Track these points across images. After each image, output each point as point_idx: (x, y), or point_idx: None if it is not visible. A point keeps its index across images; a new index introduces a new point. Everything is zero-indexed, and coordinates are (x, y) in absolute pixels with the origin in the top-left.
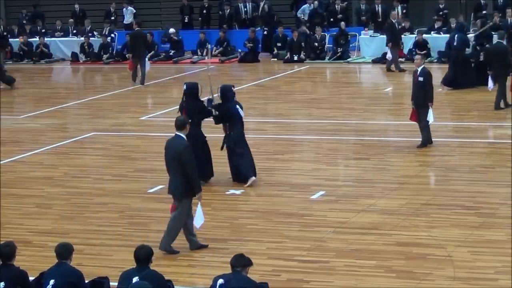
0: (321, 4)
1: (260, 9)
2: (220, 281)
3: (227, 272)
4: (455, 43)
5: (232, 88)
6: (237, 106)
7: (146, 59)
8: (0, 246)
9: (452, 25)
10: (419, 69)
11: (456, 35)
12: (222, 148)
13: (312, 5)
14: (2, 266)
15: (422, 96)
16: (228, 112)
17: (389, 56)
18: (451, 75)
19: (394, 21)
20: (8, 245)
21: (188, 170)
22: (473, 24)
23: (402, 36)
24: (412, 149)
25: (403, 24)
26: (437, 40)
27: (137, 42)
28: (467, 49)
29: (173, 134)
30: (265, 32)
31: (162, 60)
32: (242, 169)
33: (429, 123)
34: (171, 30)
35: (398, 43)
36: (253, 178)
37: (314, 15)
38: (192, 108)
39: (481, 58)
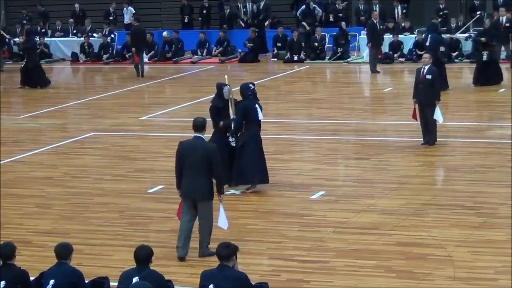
0: (320, 4)
1: (250, 10)
2: (211, 287)
3: (214, 267)
4: (427, 43)
5: (251, 86)
6: (256, 106)
7: (144, 54)
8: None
9: (452, 25)
10: (426, 67)
11: (429, 35)
12: (236, 146)
13: (306, 5)
14: (3, 266)
15: (430, 94)
16: (244, 110)
17: (366, 55)
18: None
19: (375, 21)
20: (7, 245)
21: (218, 172)
22: (472, 24)
23: (402, 36)
24: (412, 149)
25: (403, 24)
26: None
27: (139, 37)
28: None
29: (189, 136)
30: (255, 34)
31: (161, 60)
32: (247, 172)
33: (439, 122)
34: (164, 33)
35: (378, 43)
36: (256, 187)
37: (305, 14)
38: (213, 106)
39: (485, 57)
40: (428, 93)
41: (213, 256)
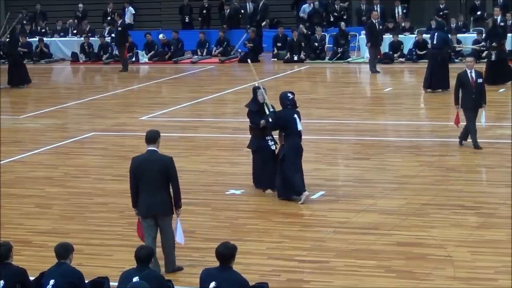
0: (321, 3)
1: (250, 10)
2: (212, 284)
3: (215, 266)
4: (434, 42)
5: (290, 95)
6: (295, 116)
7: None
8: None
9: (452, 25)
10: (474, 72)
11: (436, 34)
12: (278, 159)
13: (312, 4)
14: (1, 266)
15: (479, 98)
16: (282, 120)
17: (367, 56)
18: (428, 76)
19: (374, 21)
20: (3, 245)
21: (176, 185)
22: (473, 24)
23: (402, 36)
24: (412, 149)
25: (403, 24)
26: None
27: (127, 32)
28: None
29: (145, 148)
30: (255, 34)
31: (161, 60)
32: (295, 182)
33: (483, 126)
34: (160, 36)
35: (377, 43)
36: (307, 192)
37: (313, 14)
38: (249, 110)
39: (493, 57)
40: (480, 98)
41: (212, 256)
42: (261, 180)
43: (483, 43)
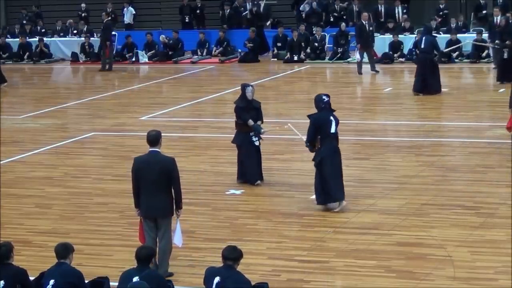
0: (321, 3)
1: (254, 10)
2: (217, 279)
3: (219, 266)
4: (422, 46)
5: (325, 98)
6: (331, 118)
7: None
8: None
9: (452, 25)
10: None
11: (424, 38)
12: (316, 164)
13: (309, 5)
14: (1, 266)
15: None
16: (318, 122)
17: (357, 58)
18: (419, 80)
19: (364, 22)
20: (4, 245)
21: (178, 186)
22: (473, 24)
23: (403, 36)
24: (412, 149)
25: (403, 24)
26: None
27: (109, 31)
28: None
29: (147, 149)
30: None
31: (161, 60)
32: (331, 190)
33: None
34: (161, 37)
35: (368, 45)
36: (344, 202)
37: (311, 14)
38: (236, 106)
39: (505, 55)
40: None
41: (212, 256)
42: (246, 173)
43: (497, 41)
